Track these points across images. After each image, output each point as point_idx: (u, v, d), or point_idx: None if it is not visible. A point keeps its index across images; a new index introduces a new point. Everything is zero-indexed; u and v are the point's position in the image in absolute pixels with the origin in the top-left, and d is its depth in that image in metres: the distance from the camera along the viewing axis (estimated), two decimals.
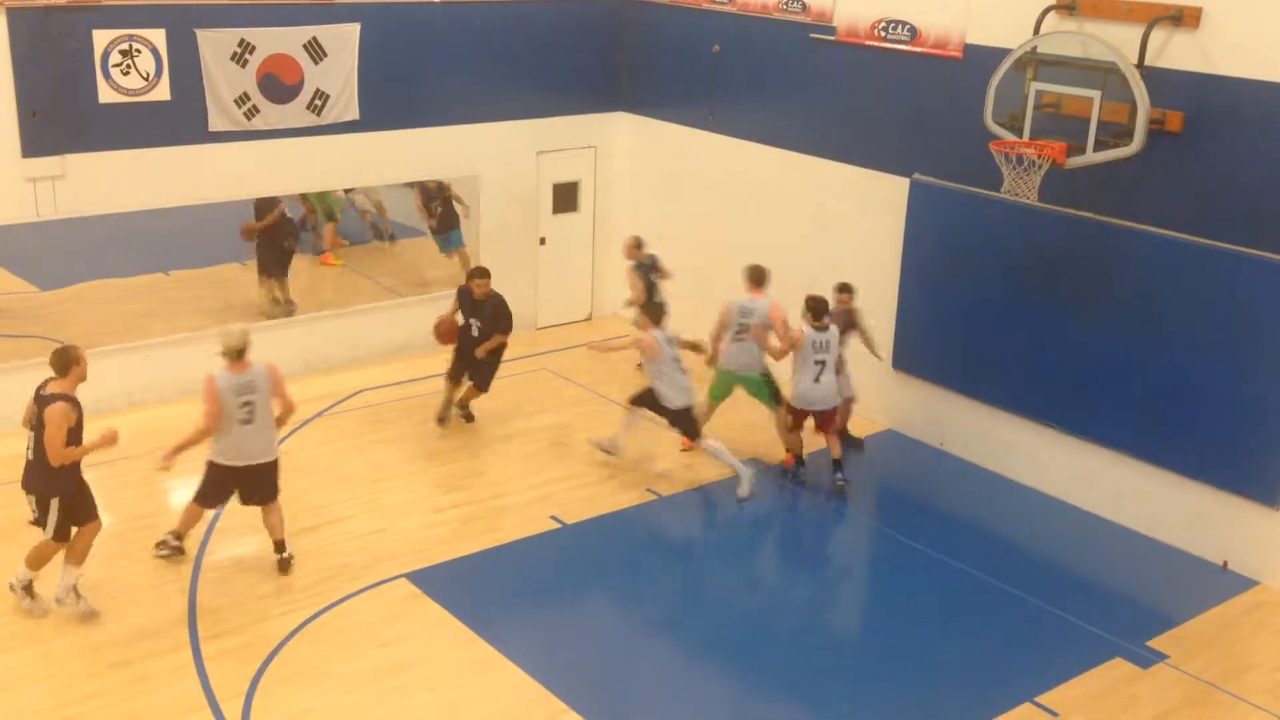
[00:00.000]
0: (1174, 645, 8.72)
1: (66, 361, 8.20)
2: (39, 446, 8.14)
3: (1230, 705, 8.09)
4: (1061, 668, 8.38)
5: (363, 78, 12.79)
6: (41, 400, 8.17)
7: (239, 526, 9.96)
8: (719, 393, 11.22)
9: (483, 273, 11.66)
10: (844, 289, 11.24)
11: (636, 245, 13.02)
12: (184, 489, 10.56)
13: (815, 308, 10.68)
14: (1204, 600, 9.33)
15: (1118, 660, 8.51)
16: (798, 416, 10.88)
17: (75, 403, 8.16)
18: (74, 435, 8.15)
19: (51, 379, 8.23)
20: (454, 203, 15.02)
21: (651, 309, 11.15)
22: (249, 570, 9.33)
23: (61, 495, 8.30)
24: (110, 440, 8.24)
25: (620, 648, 8.64)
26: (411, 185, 15.20)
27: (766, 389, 11.07)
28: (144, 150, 11.69)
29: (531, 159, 14.29)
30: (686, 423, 10.83)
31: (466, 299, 11.69)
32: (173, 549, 9.34)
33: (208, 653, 8.26)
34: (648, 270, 12.89)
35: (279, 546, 9.32)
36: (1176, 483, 10.01)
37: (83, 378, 8.27)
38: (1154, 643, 8.74)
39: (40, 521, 8.39)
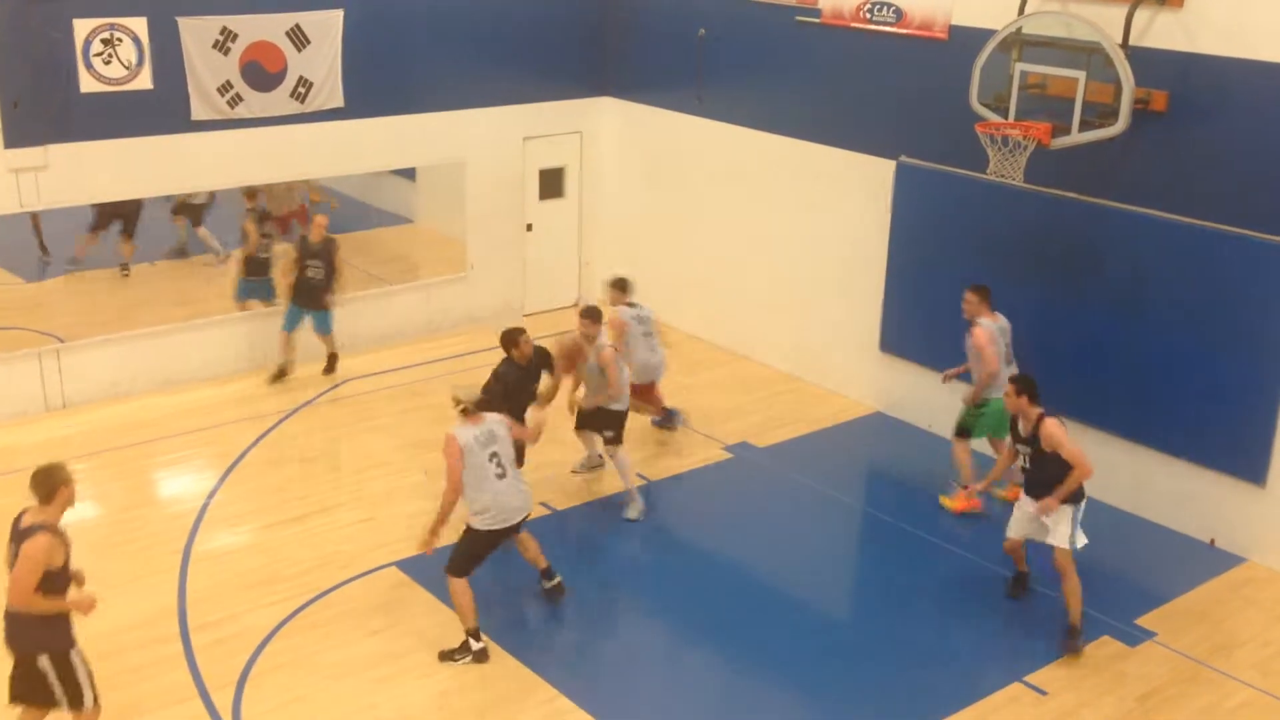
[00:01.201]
0: (1162, 623, 8.76)
1: (52, 485, 6.48)
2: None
3: (1218, 682, 8.13)
4: (1050, 647, 8.41)
5: (347, 64, 12.73)
6: (18, 534, 6.43)
7: (228, 516, 9.95)
8: None
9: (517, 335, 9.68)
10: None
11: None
12: (171, 480, 10.59)
13: (620, 286, 11.03)
14: (1191, 578, 9.37)
15: (1106, 638, 8.55)
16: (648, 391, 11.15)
17: (60, 536, 6.48)
18: (53, 580, 6.42)
19: (30, 507, 6.52)
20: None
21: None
22: (238, 560, 9.31)
23: (52, 651, 6.57)
24: (88, 607, 6.61)
25: (612, 634, 8.66)
26: (252, 209, 13.23)
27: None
28: (127, 140, 11.62)
29: (518, 145, 14.24)
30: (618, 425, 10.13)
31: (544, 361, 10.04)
32: (475, 654, 8.15)
33: (198, 643, 8.25)
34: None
35: (547, 574, 8.73)
36: (1163, 461, 10.04)
37: (70, 502, 6.58)
38: (1142, 620, 8.78)
39: (28, 695, 6.63)
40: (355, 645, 8.27)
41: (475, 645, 8.09)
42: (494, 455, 7.98)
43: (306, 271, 12.23)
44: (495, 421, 8.12)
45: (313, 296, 12.35)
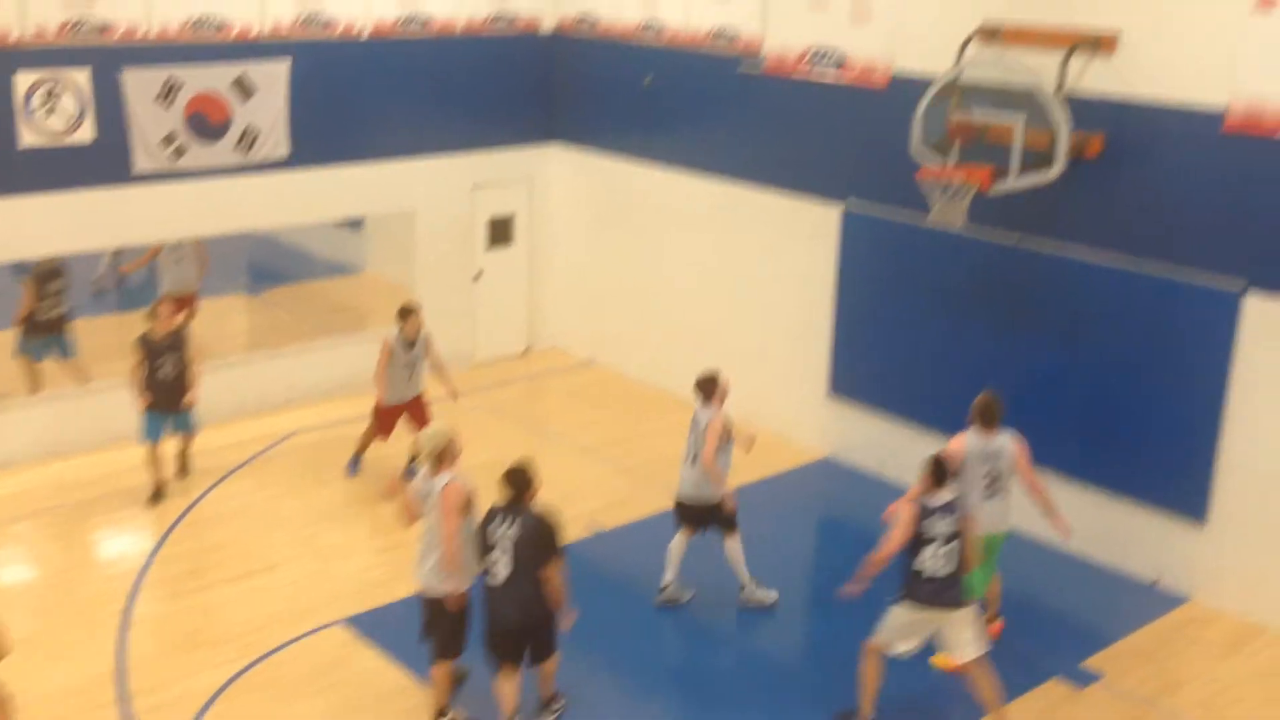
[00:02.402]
0: (1108, 664, 8.80)
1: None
2: None
3: None
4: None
5: (293, 114, 12.70)
6: None
7: (171, 576, 9.80)
8: None
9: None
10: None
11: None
12: (110, 539, 10.41)
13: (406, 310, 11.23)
14: (1136, 618, 9.42)
15: (1054, 681, 8.57)
16: (393, 414, 11.30)
17: None
18: None
19: None
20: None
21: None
22: (180, 621, 9.15)
23: None
24: None
25: (564, 691, 8.57)
26: (34, 272, 12.40)
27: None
28: (68, 193, 11.52)
29: (466, 193, 14.26)
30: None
31: None
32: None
33: (137, 708, 8.08)
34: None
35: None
36: (1107, 502, 10.13)
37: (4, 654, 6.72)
38: (1089, 662, 8.81)
39: None
40: (301, 706, 8.14)
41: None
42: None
43: (157, 373, 10.80)
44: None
45: (169, 398, 10.91)
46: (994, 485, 8.45)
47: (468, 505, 7.58)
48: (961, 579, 7.56)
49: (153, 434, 10.96)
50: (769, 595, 9.51)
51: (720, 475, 9.11)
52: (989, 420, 8.42)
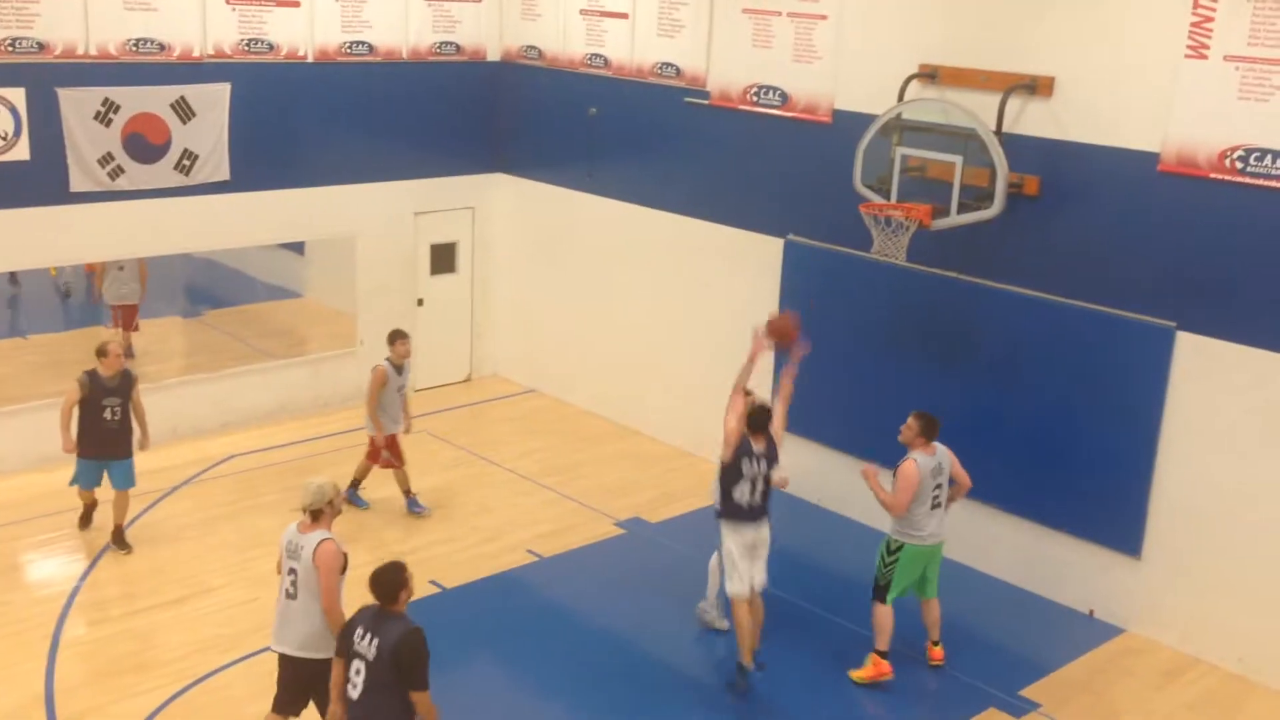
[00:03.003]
0: (1046, 693, 8.90)
1: None
2: None
3: None
4: (940, 719, 8.49)
5: (234, 137, 12.60)
6: None
7: (101, 600, 9.58)
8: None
9: None
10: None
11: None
12: (40, 562, 10.15)
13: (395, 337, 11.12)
14: (1073, 649, 9.56)
15: (992, 710, 8.66)
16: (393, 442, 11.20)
17: None
18: None
19: None
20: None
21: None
22: (110, 645, 8.94)
23: None
24: None
25: (503, 712, 8.48)
26: None
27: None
28: (2, 211, 11.30)
29: (409, 220, 14.21)
30: None
31: None
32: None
33: None
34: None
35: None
36: (1044, 534, 10.28)
37: None
38: (1026, 692, 8.91)
39: None
40: None
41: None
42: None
43: (103, 414, 10.02)
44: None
45: (111, 444, 10.17)
46: (939, 496, 8.77)
47: (343, 567, 7.10)
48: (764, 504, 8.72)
49: (88, 482, 10.32)
50: (722, 623, 9.52)
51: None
52: (932, 435, 8.75)
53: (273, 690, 8.37)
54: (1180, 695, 9.02)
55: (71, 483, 10.35)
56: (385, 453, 11.23)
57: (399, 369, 11.15)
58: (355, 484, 11.49)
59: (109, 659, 8.76)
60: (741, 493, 8.63)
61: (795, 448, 11.92)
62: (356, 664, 6.39)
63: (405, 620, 6.43)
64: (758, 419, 8.69)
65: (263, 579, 9.98)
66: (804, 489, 11.98)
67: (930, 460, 8.69)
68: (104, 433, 10.08)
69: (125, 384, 10.21)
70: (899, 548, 8.83)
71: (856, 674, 8.93)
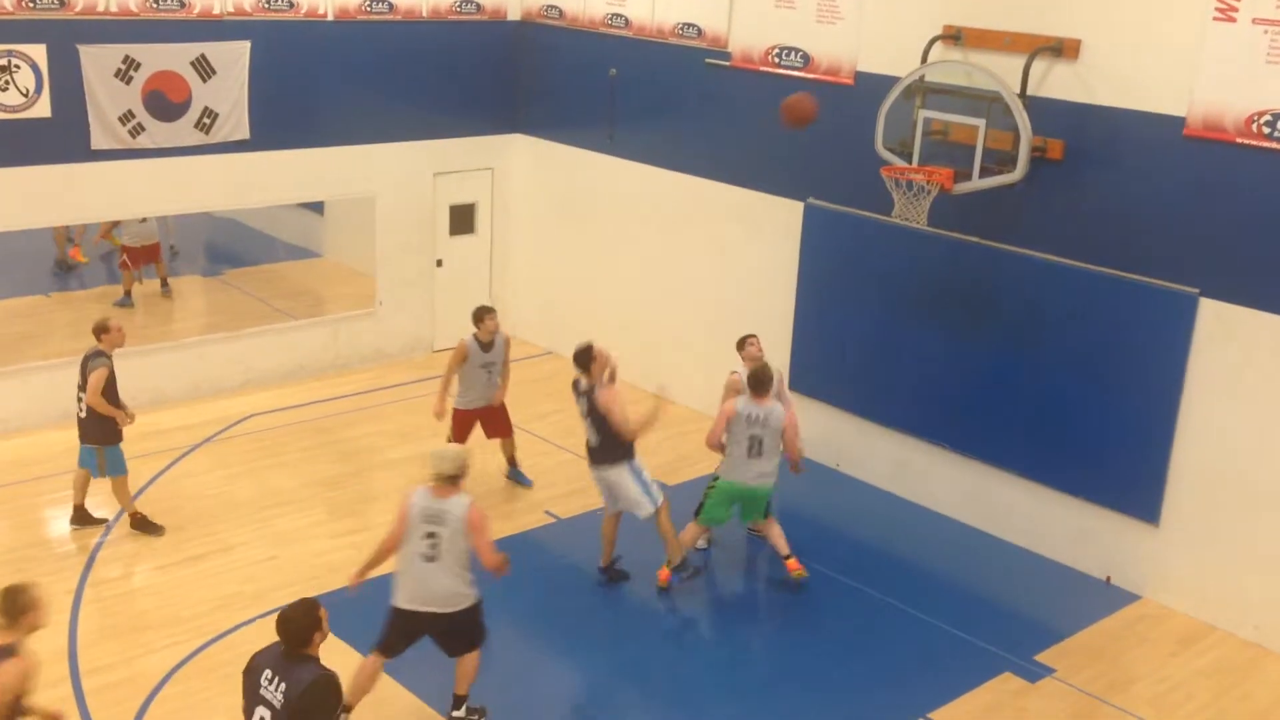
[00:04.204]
0: (1061, 659, 8.92)
1: (19, 607, 6.13)
2: None
3: (1116, 717, 8.30)
4: (953, 683, 8.52)
5: (254, 96, 12.57)
6: None
7: (123, 556, 9.68)
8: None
9: None
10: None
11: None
12: (62, 518, 10.24)
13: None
14: (1089, 615, 9.56)
15: (1007, 675, 8.69)
16: (468, 418, 10.91)
17: (21, 664, 6.05)
18: (7, 711, 6.03)
19: None
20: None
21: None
22: (132, 601, 9.05)
23: None
24: None
25: (521, 673, 8.55)
26: None
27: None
28: (24, 168, 11.33)
29: (428, 180, 14.18)
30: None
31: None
32: None
33: (88, 687, 7.98)
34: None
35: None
36: (1061, 500, 10.27)
37: (35, 627, 6.22)
38: (1041, 657, 8.94)
39: None
40: None
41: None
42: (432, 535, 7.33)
43: (118, 394, 9.78)
44: (454, 506, 7.34)
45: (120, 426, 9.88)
46: (756, 446, 9.33)
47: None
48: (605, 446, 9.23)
49: (122, 465, 9.89)
50: (701, 542, 10.18)
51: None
52: (759, 391, 9.33)
53: None
54: (1195, 662, 9.03)
55: (110, 473, 9.82)
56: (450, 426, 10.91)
57: (485, 345, 10.86)
58: (511, 461, 11.34)
59: (130, 615, 8.86)
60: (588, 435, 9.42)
61: (814, 411, 11.95)
62: (261, 711, 5.74)
63: (316, 665, 5.77)
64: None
65: (283, 537, 10.08)
66: (821, 453, 11.99)
67: (757, 409, 9.26)
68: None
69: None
70: (715, 480, 9.69)
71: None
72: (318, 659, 5.82)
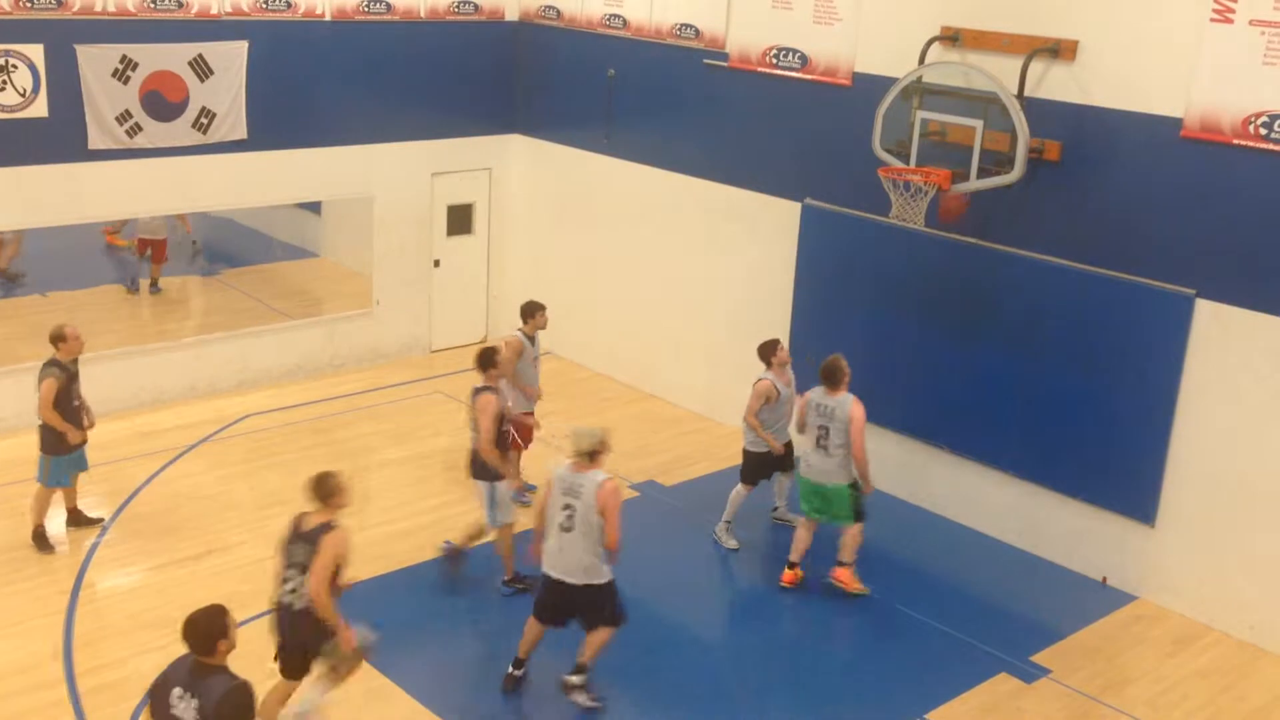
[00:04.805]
0: (1057, 659, 8.93)
1: (328, 490, 7.06)
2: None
3: (1112, 718, 8.30)
4: (949, 683, 8.53)
5: (251, 96, 12.57)
6: (308, 534, 6.98)
7: (119, 556, 9.66)
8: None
9: None
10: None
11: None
12: (59, 518, 10.23)
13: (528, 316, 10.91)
14: (1085, 615, 9.57)
15: (1003, 675, 8.69)
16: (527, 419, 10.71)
17: (342, 534, 7.00)
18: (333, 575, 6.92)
19: (309, 511, 7.11)
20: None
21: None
22: (128, 601, 9.03)
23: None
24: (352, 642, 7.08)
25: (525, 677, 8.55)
26: None
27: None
28: (21, 168, 11.32)
29: (426, 180, 14.18)
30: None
31: None
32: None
33: (84, 688, 7.97)
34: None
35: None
36: (1058, 501, 10.28)
37: (344, 507, 7.13)
38: (1037, 657, 8.94)
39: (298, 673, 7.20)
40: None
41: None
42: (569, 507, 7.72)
43: (73, 403, 9.52)
44: (588, 480, 7.71)
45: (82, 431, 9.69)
46: (824, 439, 9.36)
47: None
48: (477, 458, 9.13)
49: (68, 477, 9.70)
50: (732, 543, 10.42)
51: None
52: (830, 380, 9.35)
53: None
54: (1191, 663, 9.03)
55: (50, 483, 9.63)
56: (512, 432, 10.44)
57: (532, 340, 10.74)
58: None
59: (126, 614, 8.85)
60: None
61: None
62: None
63: (227, 675, 5.47)
64: None
65: (277, 538, 10.04)
66: None
67: (827, 400, 9.34)
68: (75, 422, 9.58)
69: (76, 368, 9.64)
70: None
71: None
72: (228, 669, 5.51)
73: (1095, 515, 10.06)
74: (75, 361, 9.56)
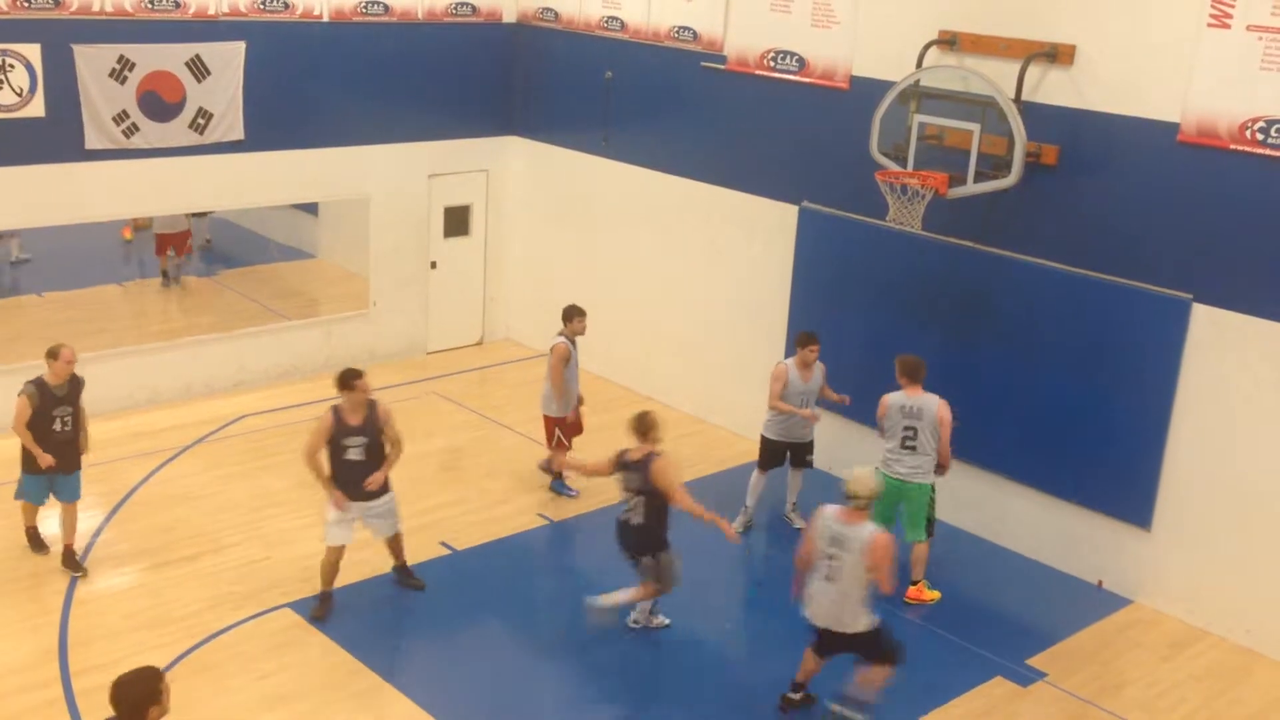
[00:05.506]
0: (1052, 663, 8.93)
1: (646, 425, 8.50)
2: None
3: None
4: (945, 687, 8.52)
5: (248, 97, 12.56)
6: (636, 463, 8.43)
7: (115, 556, 9.65)
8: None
9: None
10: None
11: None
12: (54, 518, 10.19)
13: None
14: (1080, 619, 9.57)
15: (999, 679, 8.69)
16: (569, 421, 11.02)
17: (670, 458, 8.44)
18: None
19: (631, 447, 8.49)
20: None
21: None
22: (124, 601, 9.01)
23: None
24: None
25: (512, 675, 8.54)
26: None
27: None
28: (17, 168, 11.30)
29: (423, 182, 14.17)
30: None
31: None
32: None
33: (79, 688, 7.95)
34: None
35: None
36: (1054, 505, 10.28)
37: (660, 440, 8.58)
38: (1033, 661, 8.94)
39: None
40: (246, 690, 8.04)
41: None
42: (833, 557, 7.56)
43: (53, 425, 9.10)
44: (857, 534, 7.50)
45: (65, 456, 9.19)
46: (912, 439, 9.39)
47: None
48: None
49: (38, 498, 9.40)
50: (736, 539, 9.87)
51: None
52: (911, 377, 9.44)
53: (287, 646, 8.48)
54: (1187, 667, 9.04)
55: (17, 496, 9.44)
56: (558, 432, 10.94)
57: (574, 343, 10.86)
58: (558, 475, 11.25)
59: (122, 615, 8.83)
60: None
61: None
62: None
63: None
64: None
65: (275, 538, 10.06)
66: (818, 456, 11.96)
67: (910, 401, 9.39)
68: (54, 445, 9.11)
69: (74, 390, 9.25)
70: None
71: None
72: None
73: (1091, 519, 10.07)
74: (64, 386, 9.14)
